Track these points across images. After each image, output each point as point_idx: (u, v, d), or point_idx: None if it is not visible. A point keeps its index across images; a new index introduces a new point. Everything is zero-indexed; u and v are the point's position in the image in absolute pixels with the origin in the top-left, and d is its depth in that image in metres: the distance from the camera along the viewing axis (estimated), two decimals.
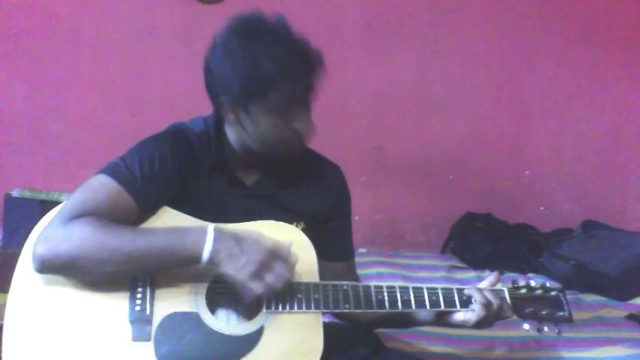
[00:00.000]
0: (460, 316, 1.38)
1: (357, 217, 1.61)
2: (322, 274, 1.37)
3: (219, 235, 1.23)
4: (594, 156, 3.27)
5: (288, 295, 1.29)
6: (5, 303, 1.24)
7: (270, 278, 1.23)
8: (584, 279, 2.58)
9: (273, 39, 1.30)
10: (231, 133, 1.42)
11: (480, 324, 1.36)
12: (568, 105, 3.24)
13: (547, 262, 2.74)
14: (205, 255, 1.22)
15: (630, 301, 2.44)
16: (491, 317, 1.36)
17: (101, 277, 1.24)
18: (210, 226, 1.24)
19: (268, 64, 1.28)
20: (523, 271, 2.70)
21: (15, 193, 2.90)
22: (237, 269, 1.22)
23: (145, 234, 1.25)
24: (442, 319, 1.42)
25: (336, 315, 1.56)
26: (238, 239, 1.24)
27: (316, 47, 1.34)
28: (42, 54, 3.03)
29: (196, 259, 1.23)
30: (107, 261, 1.21)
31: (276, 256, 1.25)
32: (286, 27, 1.33)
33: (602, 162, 3.28)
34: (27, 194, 2.91)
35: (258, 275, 1.22)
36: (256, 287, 1.23)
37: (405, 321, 1.49)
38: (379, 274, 2.58)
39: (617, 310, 2.34)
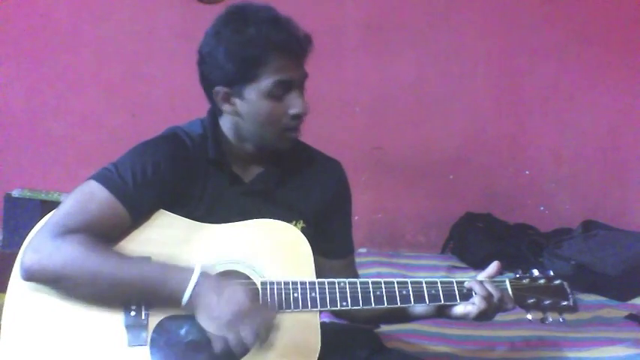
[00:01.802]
0: (460, 309, 1.36)
1: (357, 217, 1.60)
2: (321, 271, 1.35)
3: (202, 280, 1.21)
4: (594, 156, 3.27)
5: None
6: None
7: (243, 332, 1.19)
8: (584, 279, 2.57)
9: (262, 21, 1.31)
10: (228, 128, 1.41)
11: (481, 317, 1.35)
12: (568, 105, 3.24)
13: (547, 262, 2.73)
14: (185, 298, 1.20)
15: (630, 301, 2.43)
16: (492, 310, 1.35)
17: (80, 298, 1.23)
18: (197, 268, 1.22)
19: (259, 43, 1.29)
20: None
21: (15, 193, 2.90)
22: (209, 319, 1.20)
23: (131, 264, 1.23)
24: (443, 312, 1.40)
25: (335, 314, 1.56)
26: (219, 288, 1.21)
27: (305, 29, 1.34)
28: (42, 54, 3.04)
29: (177, 300, 1.21)
30: (88, 284, 1.21)
31: (255, 311, 1.21)
32: (274, 10, 1.34)
33: (602, 162, 3.28)
34: (27, 194, 2.91)
35: (228, 329, 1.19)
36: (224, 340, 1.20)
37: (405, 316, 1.47)
38: (379, 274, 2.58)
39: (617, 310, 2.33)
